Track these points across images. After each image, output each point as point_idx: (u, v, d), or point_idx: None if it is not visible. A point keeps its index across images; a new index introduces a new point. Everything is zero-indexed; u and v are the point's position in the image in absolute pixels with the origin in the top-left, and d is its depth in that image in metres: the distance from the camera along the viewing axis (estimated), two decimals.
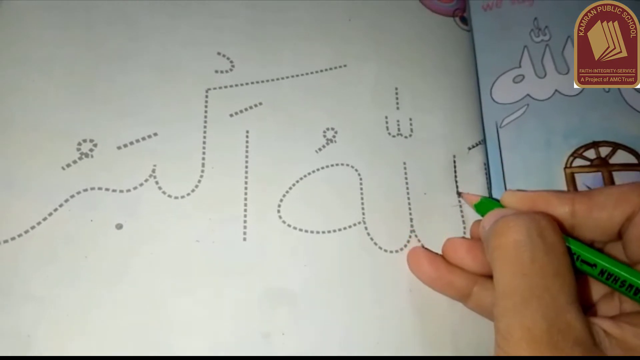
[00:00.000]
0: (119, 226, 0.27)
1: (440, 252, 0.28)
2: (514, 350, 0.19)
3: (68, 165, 0.28)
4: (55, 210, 0.27)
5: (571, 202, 0.24)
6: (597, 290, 0.25)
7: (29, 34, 0.30)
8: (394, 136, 0.31)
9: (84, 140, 0.28)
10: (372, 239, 0.28)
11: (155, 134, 0.29)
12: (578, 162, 0.31)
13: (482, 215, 0.26)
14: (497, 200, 0.27)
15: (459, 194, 0.30)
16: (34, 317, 0.25)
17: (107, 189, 0.27)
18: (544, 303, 0.20)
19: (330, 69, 0.32)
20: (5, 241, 0.26)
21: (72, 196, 0.27)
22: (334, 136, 0.31)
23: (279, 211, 0.28)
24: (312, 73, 0.32)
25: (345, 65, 0.32)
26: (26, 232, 0.26)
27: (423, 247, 0.28)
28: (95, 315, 0.25)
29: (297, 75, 0.32)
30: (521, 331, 0.19)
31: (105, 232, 0.27)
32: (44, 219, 0.26)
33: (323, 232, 0.28)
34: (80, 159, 0.28)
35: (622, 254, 0.24)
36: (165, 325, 0.25)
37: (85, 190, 0.27)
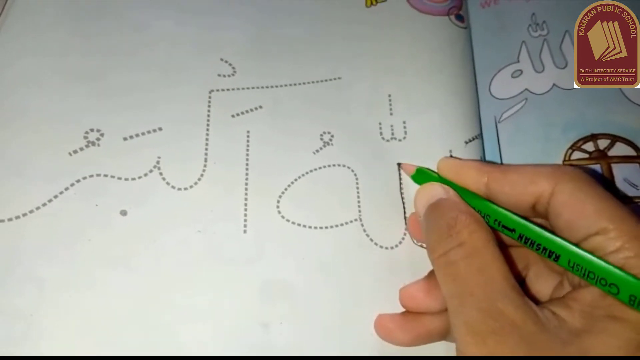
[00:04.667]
0: (124, 212, 0.27)
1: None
2: (464, 346, 0.21)
3: (75, 152, 0.29)
4: (61, 192, 0.27)
5: (487, 175, 0.24)
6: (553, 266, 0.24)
7: (44, 30, 0.32)
8: (387, 140, 0.31)
9: (91, 130, 0.29)
10: (368, 235, 0.29)
11: (160, 129, 0.30)
12: (577, 154, 0.31)
13: (420, 185, 0.26)
14: (434, 171, 0.27)
15: (399, 164, 0.30)
16: (36, 296, 0.25)
17: (112, 176, 0.28)
18: (476, 299, 0.21)
19: (325, 80, 0.33)
20: (10, 219, 0.27)
21: (78, 181, 0.28)
22: (330, 139, 0.31)
23: (278, 206, 0.29)
24: (308, 83, 0.33)
25: (339, 78, 0.33)
26: (31, 211, 0.27)
27: (384, 314, 0.26)
28: (96, 297, 0.26)
29: (294, 84, 0.32)
30: (464, 327, 0.21)
31: (110, 217, 0.27)
32: (49, 201, 0.27)
33: (320, 228, 0.29)
34: (87, 146, 0.29)
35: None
36: (166, 311, 0.26)
37: (91, 176, 0.28)
